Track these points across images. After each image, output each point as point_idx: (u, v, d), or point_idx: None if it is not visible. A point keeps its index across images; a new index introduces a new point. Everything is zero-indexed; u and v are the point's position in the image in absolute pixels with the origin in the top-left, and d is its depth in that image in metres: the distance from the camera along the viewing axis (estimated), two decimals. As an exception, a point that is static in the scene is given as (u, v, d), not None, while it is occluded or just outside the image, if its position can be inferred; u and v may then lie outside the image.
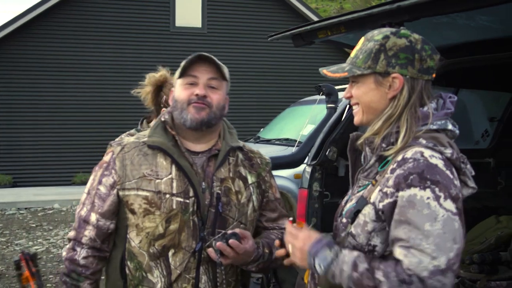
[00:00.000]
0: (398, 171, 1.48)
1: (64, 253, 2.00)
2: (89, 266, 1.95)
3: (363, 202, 1.58)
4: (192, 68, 1.93)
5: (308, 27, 2.99)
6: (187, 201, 1.89)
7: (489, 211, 3.94)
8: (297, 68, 14.54)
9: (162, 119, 2.00)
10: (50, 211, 10.41)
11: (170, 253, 1.89)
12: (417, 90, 1.58)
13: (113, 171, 1.94)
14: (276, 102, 12.80)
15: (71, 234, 1.99)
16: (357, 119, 1.69)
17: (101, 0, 13.10)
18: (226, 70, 1.97)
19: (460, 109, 4.43)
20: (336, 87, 5.82)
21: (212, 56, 1.93)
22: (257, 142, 7.25)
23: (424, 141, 1.52)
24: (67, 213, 10.31)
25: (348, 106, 3.62)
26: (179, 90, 1.95)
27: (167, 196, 1.88)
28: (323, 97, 5.89)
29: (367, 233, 1.55)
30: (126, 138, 2.02)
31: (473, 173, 1.56)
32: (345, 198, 1.79)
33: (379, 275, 1.44)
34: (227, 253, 1.84)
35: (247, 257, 1.90)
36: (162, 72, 2.76)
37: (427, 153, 1.48)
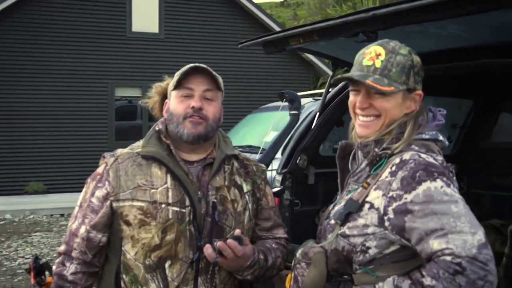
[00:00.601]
0: (400, 173, 1.53)
1: (54, 267, 1.96)
2: (78, 282, 1.90)
3: (353, 204, 1.61)
4: (186, 80, 1.90)
5: (281, 34, 2.97)
6: (183, 210, 1.86)
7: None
8: (258, 74, 14.56)
9: (156, 128, 1.97)
10: (2, 222, 10.03)
11: (166, 265, 1.85)
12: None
13: (106, 182, 1.90)
14: (236, 108, 12.76)
15: (62, 248, 1.94)
16: (370, 132, 1.68)
17: (56, 4, 12.75)
18: (221, 80, 1.96)
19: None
20: (300, 94, 5.83)
21: (207, 67, 1.90)
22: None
23: (416, 148, 1.60)
24: (19, 223, 9.96)
25: (318, 114, 3.60)
26: (174, 102, 1.93)
27: (163, 206, 1.85)
28: (286, 103, 5.89)
29: (365, 235, 1.57)
30: (120, 150, 1.98)
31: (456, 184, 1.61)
32: (333, 203, 1.82)
33: (428, 281, 1.43)
34: (226, 253, 1.80)
35: (245, 260, 1.87)
36: (168, 81, 2.69)
37: (423, 155, 1.56)
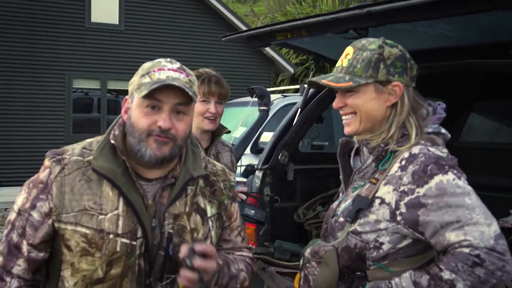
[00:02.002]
0: (411, 168, 1.53)
1: None
2: None
3: (363, 200, 1.60)
4: (156, 91, 1.57)
5: (268, 28, 2.94)
6: (134, 243, 1.60)
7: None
8: (218, 69, 14.41)
9: (112, 141, 1.65)
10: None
11: None
12: (411, 96, 1.67)
13: (49, 196, 1.62)
14: (197, 103, 12.65)
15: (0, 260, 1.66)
16: (351, 129, 1.69)
17: (10, -9, 12.32)
18: (195, 87, 1.66)
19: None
20: (268, 89, 5.81)
21: (181, 82, 1.60)
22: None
23: (422, 141, 1.60)
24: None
25: (299, 110, 3.59)
26: (137, 113, 1.60)
27: (111, 236, 1.58)
28: (256, 99, 5.86)
29: (377, 231, 1.56)
30: (69, 151, 1.67)
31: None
32: (336, 202, 1.80)
33: (447, 275, 1.43)
34: (210, 267, 1.58)
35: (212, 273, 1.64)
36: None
37: (431, 148, 1.57)
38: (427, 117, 1.68)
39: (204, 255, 1.57)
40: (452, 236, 1.44)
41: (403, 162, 1.56)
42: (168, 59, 1.66)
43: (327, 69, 15.04)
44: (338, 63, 1.70)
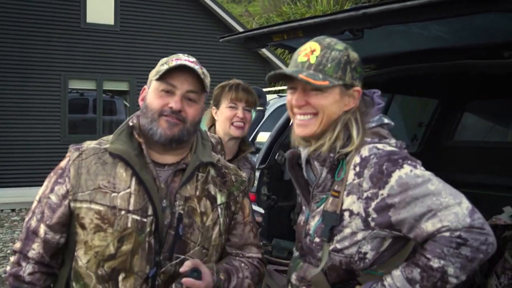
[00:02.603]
0: (367, 172, 1.51)
1: (8, 268, 1.79)
2: (36, 283, 1.75)
3: (332, 216, 1.56)
4: (171, 75, 1.73)
5: (265, 30, 2.98)
6: (144, 220, 1.69)
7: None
8: (215, 70, 14.48)
9: (130, 123, 1.79)
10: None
11: (120, 277, 1.69)
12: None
13: (66, 179, 1.74)
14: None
15: (17, 245, 1.79)
16: (309, 131, 1.62)
17: (5, -8, 12.30)
18: (208, 80, 1.81)
19: (393, 115, 4.62)
20: (264, 90, 5.87)
21: (196, 68, 1.74)
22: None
23: (369, 139, 1.58)
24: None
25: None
26: (152, 95, 1.75)
27: (122, 212, 1.68)
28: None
29: (357, 243, 1.54)
30: (87, 142, 1.81)
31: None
32: (302, 217, 1.75)
33: (436, 263, 1.42)
34: None
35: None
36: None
37: (380, 145, 1.55)
38: (367, 109, 1.65)
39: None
40: (429, 226, 1.44)
41: (357, 168, 1.53)
42: (186, 55, 1.82)
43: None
44: (303, 58, 1.61)
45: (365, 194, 1.50)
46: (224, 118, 2.73)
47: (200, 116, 1.82)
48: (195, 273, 1.65)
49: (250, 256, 1.91)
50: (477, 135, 4.66)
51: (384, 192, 1.47)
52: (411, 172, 1.46)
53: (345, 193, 1.55)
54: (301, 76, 1.56)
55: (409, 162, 1.49)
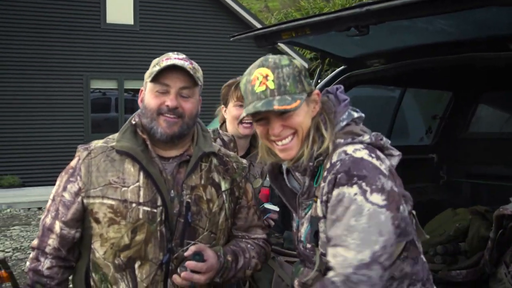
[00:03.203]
0: (329, 177, 1.50)
1: (27, 263, 1.91)
2: (54, 276, 1.86)
3: (315, 221, 1.58)
4: (163, 75, 1.81)
5: (274, 28, 3.05)
6: (155, 210, 1.80)
7: (434, 204, 4.16)
8: (234, 66, 14.58)
9: (133, 122, 1.90)
10: (-22, 216, 9.90)
11: (136, 265, 1.80)
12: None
13: (78, 177, 1.85)
14: (213, 100, 12.78)
15: (35, 243, 1.90)
16: (294, 152, 1.61)
17: (28, -5, 12.56)
18: (199, 74, 1.88)
19: (407, 108, 4.65)
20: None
21: (186, 65, 1.82)
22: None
23: (342, 140, 1.56)
24: (-4, 217, 9.85)
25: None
26: (149, 96, 1.85)
27: (133, 205, 1.79)
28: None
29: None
30: (94, 142, 1.92)
31: (389, 142, 1.64)
32: (294, 225, 1.78)
33: None
34: (198, 279, 1.75)
35: (214, 272, 1.81)
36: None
37: (350, 149, 1.51)
38: (334, 107, 1.64)
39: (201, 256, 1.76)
40: (328, 254, 1.49)
41: (325, 173, 1.53)
42: (175, 52, 1.90)
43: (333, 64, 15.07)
44: (260, 88, 1.58)
45: (323, 197, 1.53)
46: (232, 117, 2.78)
47: (197, 108, 1.89)
48: (197, 256, 1.75)
49: (255, 237, 2.02)
50: (492, 127, 4.67)
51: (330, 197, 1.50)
52: (354, 195, 1.44)
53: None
54: (277, 107, 1.53)
55: (363, 184, 1.44)
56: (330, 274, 1.44)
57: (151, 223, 1.80)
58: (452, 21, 2.73)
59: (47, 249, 1.86)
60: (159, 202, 1.81)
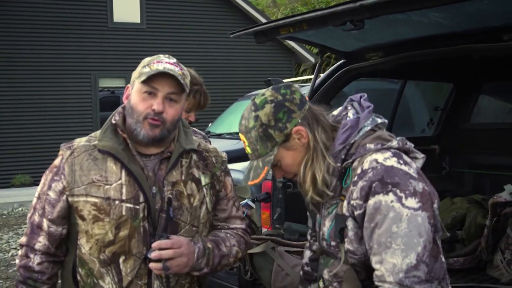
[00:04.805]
0: (360, 183, 1.58)
1: (17, 261, 1.97)
2: (45, 271, 1.93)
3: (341, 219, 1.65)
4: (153, 79, 1.86)
5: (272, 24, 3.11)
6: (137, 207, 1.87)
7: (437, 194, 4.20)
8: (241, 62, 14.65)
9: (113, 121, 1.95)
10: (-10, 215, 10.06)
11: (121, 260, 1.87)
12: (312, 122, 1.69)
13: (62, 176, 1.91)
14: (222, 97, 12.86)
15: (23, 240, 1.96)
16: (307, 183, 1.70)
17: (35, -5, 12.69)
18: (188, 80, 1.93)
19: (408, 100, 4.70)
20: (285, 81, 5.98)
21: (176, 71, 1.87)
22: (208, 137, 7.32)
23: (372, 145, 1.63)
24: (8, 216, 10.00)
25: (307, 99, 3.76)
26: (137, 97, 1.89)
27: (117, 202, 1.86)
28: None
29: (361, 240, 1.63)
30: (78, 140, 1.98)
31: (413, 145, 1.71)
32: (311, 223, 1.87)
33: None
34: (165, 255, 1.81)
35: (190, 252, 1.87)
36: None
37: (380, 157, 1.59)
38: (357, 115, 1.71)
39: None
40: (373, 260, 1.55)
41: (355, 178, 1.60)
42: (167, 55, 1.95)
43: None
44: (246, 151, 1.74)
45: (352, 202, 1.60)
46: None
47: (179, 114, 1.95)
48: (162, 237, 1.82)
49: (234, 227, 2.10)
50: (493, 117, 4.70)
51: (364, 206, 1.57)
52: (391, 203, 1.52)
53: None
54: (250, 183, 1.71)
55: (397, 191, 1.53)
56: (377, 282, 1.52)
57: (134, 219, 1.86)
58: (446, 14, 2.77)
59: (37, 246, 1.92)
60: (141, 199, 1.87)
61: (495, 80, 4.51)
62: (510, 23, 2.78)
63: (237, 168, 6.29)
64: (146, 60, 1.93)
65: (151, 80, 1.85)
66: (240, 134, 1.74)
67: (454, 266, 2.91)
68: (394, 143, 1.64)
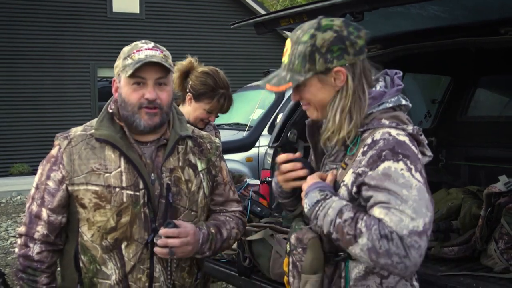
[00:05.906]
0: (370, 152, 1.56)
1: (16, 250, 1.99)
2: (44, 260, 1.95)
3: (335, 185, 1.64)
4: (139, 69, 1.86)
5: (272, 15, 3.15)
6: (137, 193, 1.89)
7: (433, 185, 4.25)
8: (239, 53, 14.66)
9: (109, 110, 1.97)
10: (-11, 204, 10.09)
11: (123, 246, 1.90)
12: (358, 73, 1.63)
13: (61, 166, 1.92)
14: (218, 88, 12.87)
15: (22, 229, 1.97)
16: (313, 117, 1.73)
17: (35, -16, 12.66)
18: (170, 60, 1.93)
19: (406, 92, 4.73)
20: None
21: (158, 56, 1.88)
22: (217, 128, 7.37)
23: (387, 122, 1.61)
24: (7, 204, 10.03)
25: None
26: (127, 89, 1.90)
27: (117, 189, 1.88)
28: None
29: None
30: (74, 130, 1.98)
31: (427, 142, 1.69)
32: None
33: (361, 225, 1.49)
34: (172, 243, 1.85)
35: (195, 239, 1.91)
36: (189, 60, 2.91)
37: (394, 132, 1.57)
38: (385, 89, 1.66)
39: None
40: (376, 212, 1.50)
41: (366, 148, 1.59)
42: (143, 41, 1.96)
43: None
44: (283, 58, 1.68)
45: (358, 170, 1.58)
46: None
47: (172, 95, 1.98)
48: (169, 224, 1.87)
49: (232, 210, 2.16)
50: (490, 110, 4.74)
51: (370, 173, 1.54)
52: (401, 170, 1.50)
53: (351, 168, 1.61)
54: (267, 87, 1.68)
55: (407, 162, 1.51)
56: (386, 224, 1.47)
57: (134, 205, 1.89)
58: (444, 7, 2.82)
59: (36, 235, 1.94)
60: (141, 185, 1.90)
61: (492, 74, 4.54)
62: (507, 16, 2.82)
63: (236, 159, 6.39)
64: (126, 50, 1.93)
65: (136, 70, 1.86)
66: (287, 40, 1.68)
67: (449, 255, 2.96)
68: (410, 127, 1.61)
